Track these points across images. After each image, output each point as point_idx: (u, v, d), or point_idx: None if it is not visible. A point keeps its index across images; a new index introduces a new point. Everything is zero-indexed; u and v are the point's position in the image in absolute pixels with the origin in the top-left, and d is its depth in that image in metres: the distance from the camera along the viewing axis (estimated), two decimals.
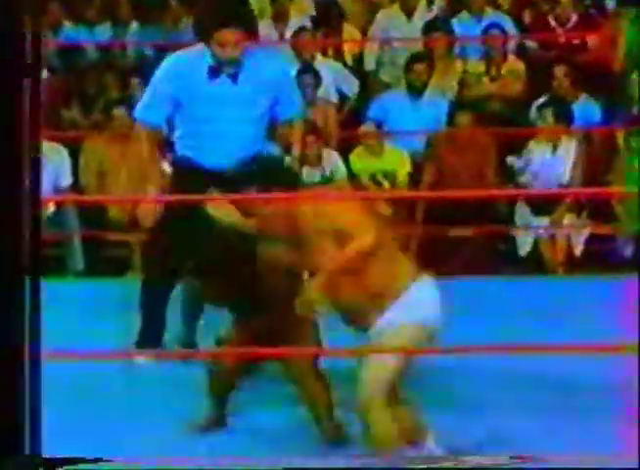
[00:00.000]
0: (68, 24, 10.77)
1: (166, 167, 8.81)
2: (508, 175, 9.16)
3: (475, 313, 6.76)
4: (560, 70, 9.47)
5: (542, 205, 8.88)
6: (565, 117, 9.01)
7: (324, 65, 9.59)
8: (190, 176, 6.34)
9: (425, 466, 5.01)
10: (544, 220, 8.94)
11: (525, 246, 9.01)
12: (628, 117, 9.36)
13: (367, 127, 9.35)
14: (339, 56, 10.05)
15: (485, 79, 10.06)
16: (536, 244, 8.98)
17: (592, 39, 10.28)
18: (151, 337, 6.69)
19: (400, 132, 9.52)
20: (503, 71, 10.06)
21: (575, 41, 10.36)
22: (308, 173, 8.31)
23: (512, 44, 10.33)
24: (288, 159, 6.64)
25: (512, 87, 10.04)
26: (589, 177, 8.91)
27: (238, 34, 6.08)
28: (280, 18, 10.08)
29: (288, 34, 10.02)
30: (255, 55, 6.30)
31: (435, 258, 8.24)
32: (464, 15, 10.50)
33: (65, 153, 9.32)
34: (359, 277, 4.97)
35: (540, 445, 5.21)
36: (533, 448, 5.10)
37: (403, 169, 9.28)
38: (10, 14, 3.94)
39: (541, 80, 9.78)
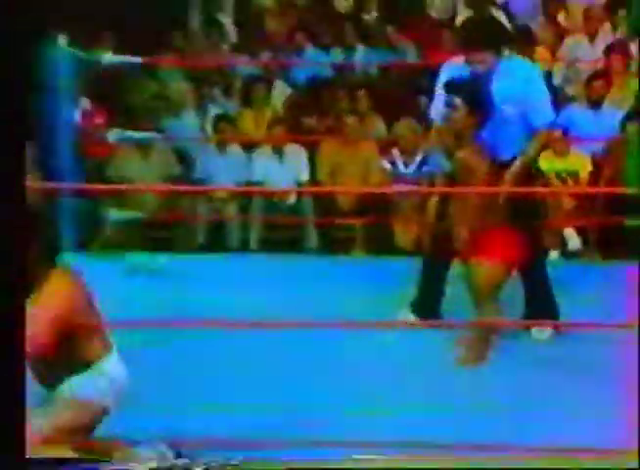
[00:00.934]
0: (310, 48, 11.22)
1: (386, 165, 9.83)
2: None
3: None
4: None
5: None
6: None
7: None
8: None
9: None
10: None
11: None
12: None
13: (555, 133, 9.05)
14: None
15: None
16: None
17: None
18: (429, 307, 6.85)
19: (582, 138, 9.62)
20: None
21: None
22: None
23: None
24: None
25: None
26: None
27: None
28: None
29: None
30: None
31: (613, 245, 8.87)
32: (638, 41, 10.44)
33: (304, 153, 9.82)
34: None
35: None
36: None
37: (585, 169, 9.53)
38: None
39: None
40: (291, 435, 4.84)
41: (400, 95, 10.50)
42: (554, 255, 9.25)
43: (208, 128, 10.30)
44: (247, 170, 9.92)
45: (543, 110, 6.68)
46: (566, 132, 9.65)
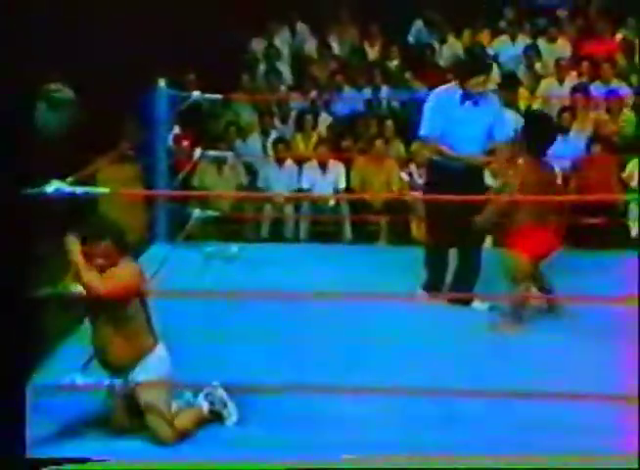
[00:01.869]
0: (347, 88, 11.03)
1: (404, 177, 9.68)
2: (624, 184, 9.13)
3: None
4: None
5: None
6: None
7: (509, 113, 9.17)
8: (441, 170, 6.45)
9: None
10: None
11: (633, 230, 8.86)
12: None
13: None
14: (515, 108, 9.84)
15: (610, 124, 9.97)
16: None
17: None
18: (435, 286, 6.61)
19: (555, 157, 9.01)
20: (620, 119, 10.04)
21: None
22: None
23: (628, 102, 10.13)
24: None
25: (627, 129, 9.98)
26: None
27: (484, 79, 6.43)
28: None
29: None
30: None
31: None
32: (597, 83, 10.51)
33: (342, 167, 9.69)
34: None
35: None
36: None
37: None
38: None
39: None
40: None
41: (415, 123, 10.14)
42: None
43: (269, 148, 10.19)
44: (298, 180, 9.86)
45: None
46: None
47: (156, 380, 4.41)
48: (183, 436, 4.43)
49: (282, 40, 12.20)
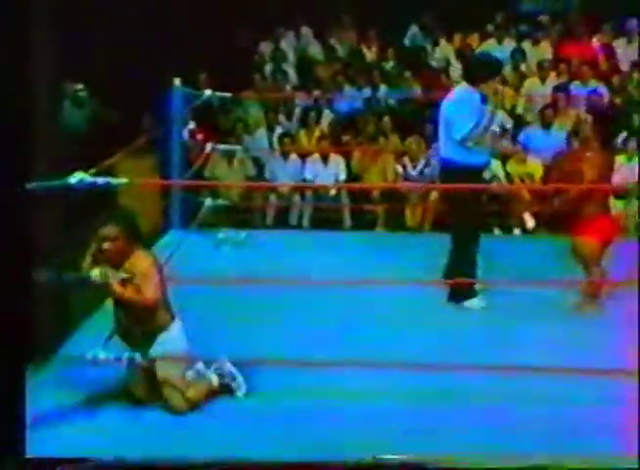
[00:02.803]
0: (347, 87, 10.97)
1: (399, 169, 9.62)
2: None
3: None
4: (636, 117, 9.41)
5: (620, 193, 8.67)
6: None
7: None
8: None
9: None
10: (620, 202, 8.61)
11: None
12: None
13: (517, 147, 9.35)
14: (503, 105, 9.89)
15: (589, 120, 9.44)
16: None
17: None
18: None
19: (537, 150, 9.48)
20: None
21: None
22: None
23: (605, 100, 10.08)
24: None
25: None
26: None
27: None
28: None
29: None
30: None
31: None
32: (576, 82, 10.49)
33: (342, 160, 9.62)
34: None
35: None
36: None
37: (538, 173, 9.31)
38: None
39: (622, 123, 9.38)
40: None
41: (410, 120, 10.26)
42: (516, 232, 9.05)
43: (275, 142, 10.15)
44: (301, 172, 9.81)
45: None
46: (525, 147, 9.52)
47: (171, 354, 4.41)
48: (195, 406, 4.44)
49: (287, 43, 12.13)
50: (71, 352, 4.75)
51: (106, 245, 4.36)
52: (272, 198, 9.63)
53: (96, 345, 4.46)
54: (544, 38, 11.58)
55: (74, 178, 4.26)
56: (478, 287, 6.18)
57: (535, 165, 9.42)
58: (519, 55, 11.15)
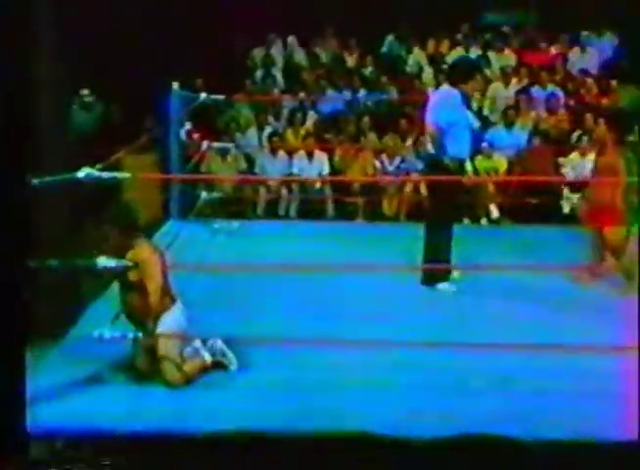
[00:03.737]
0: (330, 90, 10.91)
1: (377, 164, 9.58)
2: (558, 171, 9.07)
3: None
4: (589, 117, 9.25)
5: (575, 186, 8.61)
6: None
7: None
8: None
9: None
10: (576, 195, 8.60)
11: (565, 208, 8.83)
12: None
13: (484, 145, 9.31)
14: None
15: (549, 120, 9.96)
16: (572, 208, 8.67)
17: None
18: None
19: (501, 147, 9.46)
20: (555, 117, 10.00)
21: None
22: None
23: (561, 103, 10.18)
24: None
25: (562, 125, 9.90)
26: None
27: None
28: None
29: None
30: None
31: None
32: (536, 86, 10.49)
33: (325, 156, 9.55)
34: None
35: None
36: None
37: (503, 167, 9.31)
38: None
39: (578, 121, 9.67)
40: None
41: (387, 120, 10.20)
42: (483, 221, 9.06)
43: (265, 141, 10.11)
44: (289, 167, 9.76)
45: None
46: (491, 144, 9.49)
47: (172, 333, 4.39)
48: (190, 380, 4.42)
49: (276, 50, 12.02)
50: (80, 332, 4.75)
51: (107, 236, 4.36)
52: (262, 191, 9.57)
53: (103, 325, 4.43)
54: (507, 47, 11.57)
55: (82, 173, 4.28)
56: (454, 273, 6.10)
57: (500, 161, 9.40)
58: (484, 61, 11.11)
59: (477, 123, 9.85)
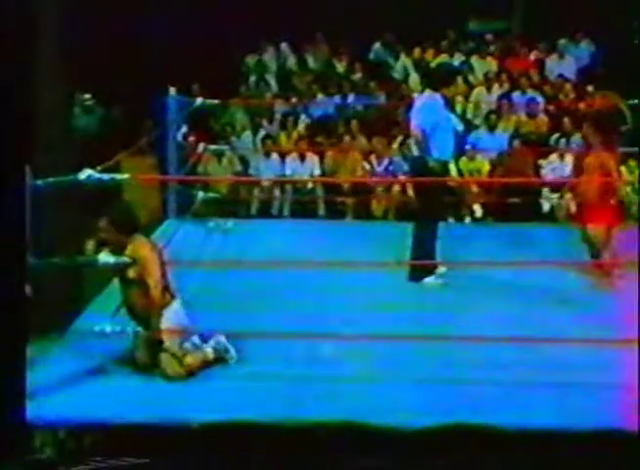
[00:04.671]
0: (320, 95, 10.84)
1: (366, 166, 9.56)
2: (538, 172, 9.16)
3: None
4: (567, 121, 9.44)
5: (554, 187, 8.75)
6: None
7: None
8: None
9: None
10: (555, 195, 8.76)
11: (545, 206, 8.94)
12: None
13: (468, 147, 9.33)
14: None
15: (529, 124, 10.00)
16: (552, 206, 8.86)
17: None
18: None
19: (483, 149, 9.50)
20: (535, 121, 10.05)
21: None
22: None
23: (541, 107, 10.19)
24: None
25: (541, 129, 9.99)
26: None
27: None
28: None
29: None
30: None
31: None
32: (517, 92, 10.53)
33: (317, 158, 9.53)
34: None
35: None
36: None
37: (485, 168, 9.33)
38: None
39: (557, 125, 9.78)
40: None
41: (376, 123, 10.20)
42: (467, 220, 9.07)
43: (259, 143, 10.08)
44: (282, 169, 9.75)
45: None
46: (474, 146, 9.55)
47: (172, 328, 4.35)
48: (190, 374, 4.38)
49: (269, 57, 11.95)
50: (82, 327, 4.68)
51: (105, 234, 4.33)
52: (256, 191, 9.55)
53: (104, 320, 4.38)
54: (489, 54, 11.54)
55: (84, 174, 4.25)
56: (439, 269, 6.04)
57: (483, 163, 9.40)
58: (467, 68, 11.10)
59: (460, 126, 9.85)
